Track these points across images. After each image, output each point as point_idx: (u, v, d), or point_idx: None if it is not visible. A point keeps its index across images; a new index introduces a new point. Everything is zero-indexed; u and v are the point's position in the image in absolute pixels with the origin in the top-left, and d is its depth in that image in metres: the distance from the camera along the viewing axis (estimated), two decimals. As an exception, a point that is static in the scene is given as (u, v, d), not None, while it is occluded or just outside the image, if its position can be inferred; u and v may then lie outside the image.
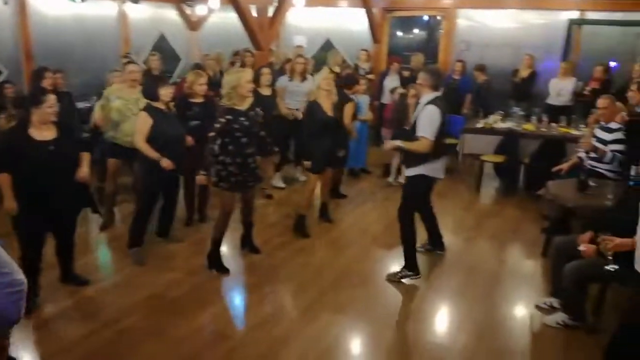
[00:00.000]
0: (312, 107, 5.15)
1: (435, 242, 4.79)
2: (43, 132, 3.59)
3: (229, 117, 4.03)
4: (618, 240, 2.64)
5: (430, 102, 3.98)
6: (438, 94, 4.07)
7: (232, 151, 4.11)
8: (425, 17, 11.44)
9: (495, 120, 6.88)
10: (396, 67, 8.34)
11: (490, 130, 6.69)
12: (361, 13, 9.20)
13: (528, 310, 3.90)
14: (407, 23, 11.38)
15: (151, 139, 4.24)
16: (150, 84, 4.51)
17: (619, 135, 4.71)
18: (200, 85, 4.82)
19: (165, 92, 4.32)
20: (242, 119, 4.09)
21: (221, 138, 4.08)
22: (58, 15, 8.26)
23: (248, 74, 4.19)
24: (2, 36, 7.51)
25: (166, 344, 3.42)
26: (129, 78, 5.01)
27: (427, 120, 3.94)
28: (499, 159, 6.55)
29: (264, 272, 4.48)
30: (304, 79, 6.41)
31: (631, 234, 2.83)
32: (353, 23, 9.93)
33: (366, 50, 8.98)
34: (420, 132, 3.97)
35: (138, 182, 4.70)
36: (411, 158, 4.15)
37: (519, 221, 5.68)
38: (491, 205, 6.38)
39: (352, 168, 7.14)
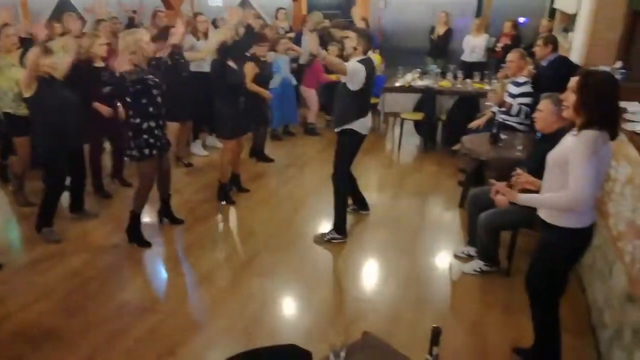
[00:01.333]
0: (219, 66, 4.80)
1: (360, 203, 4.87)
2: None
3: (137, 76, 3.81)
4: (529, 177, 2.81)
5: (359, 61, 4.00)
6: (367, 57, 4.08)
7: (153, 113, 3.94)
8: (344, -25, 11.27)
9: (413, 78, 7.00)
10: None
11: (408, 89, 6.80)
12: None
13: (448, 260, 4.10)
14: (325, -19, 11.17)
15: (33, 109, 3.99)
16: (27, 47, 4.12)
17: (526, 88, 4.93)
18: (100, 46, 4.55)
19: (44, 62, 3.93)
20: (151, 75, 3.91)
21: (139, 100, 3.87)
22: None
23: (144, 34, 3.97)
24: None
25: (88, 324, 3.28)
26: (8, 42, 4.51)
27: (352, 70, 3.95)
28: (418, 116, 6.70)
29: (187, 242, 4.38)
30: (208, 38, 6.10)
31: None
32: (270, -19, 9.63)
33: (284, 9, 8.75)
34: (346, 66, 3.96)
35: (40, 158, 4.38)
36: (342, 116, 4.16)
37: (438, 176, 5.89)
38: (412, 162, 6.56)
39: (286, 126, 7.13)
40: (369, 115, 4.28)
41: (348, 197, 4.39)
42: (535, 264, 2.71)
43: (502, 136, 4.60)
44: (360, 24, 4.40)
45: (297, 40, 7.44)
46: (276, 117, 6.84)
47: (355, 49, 4.04)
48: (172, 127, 5.86)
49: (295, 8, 9.56)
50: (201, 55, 5.61)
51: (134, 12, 7.62)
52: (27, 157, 4.76)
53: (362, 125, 4.18)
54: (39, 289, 3.63)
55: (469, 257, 4.02)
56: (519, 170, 2.93)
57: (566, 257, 2.60)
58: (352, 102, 4.09)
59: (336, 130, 4.24)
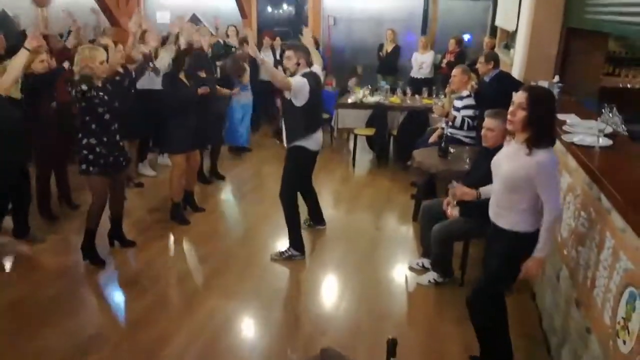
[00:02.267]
0: (170, 81, 4.76)
1: (316, 218, 4.89)
2: None
3: (83, 89, 3.72)
4: (464, 189, 2.92)
5: (302, 75, 4.01)
6: (311, 69, 4.11)
7: (96, 131, 3.86)
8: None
9: (364, 95, 7.14)
10: (269, 42, 8.26)
11: (360, 105, 6.94)
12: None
13: (403, 272, 4.16)
14: (275, -1, 11.29)
15: None
16: None
17: (468, 101, 5.17)
18: (40, 62, 4.36)
19: None
20: (101, 93, 3.82)
21: (83, 116, 3.80)
22: None
23: (101, 53, 3.88)
24: None
25: (31, 355, 3.11)
26: None
27: (298, 86, 3.93)
28: (370, 132, 6.83)
29: (140, 264, 4.26)
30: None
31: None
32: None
33: (234, 26, 8.77)
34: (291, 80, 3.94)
35: None
36: (291, 133, 4.15)
37: (391, 190, 6.00)
38: (365, 176, 6.66)
39: (236, 146, 7.12)
40: (320, 131, 4.29)
41: (299, 213, 4.38)
42: (497, 269, 2.75)
43: (451, 149, 4.75)
44: (309, 43, 4.43)
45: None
46: (229, 134, 6.86)
47: (298, 64, 4.04)
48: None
49: (245, 24, 9.58)
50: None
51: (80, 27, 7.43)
52: None
53: (312, 141, 4.18)
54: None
55: (424, 269, 4.11)
56: (454, 184, 3.04)
57: (522, 258, 2.66)
58: (299, 118, 4.07)
59: (286, 146, 4.23)
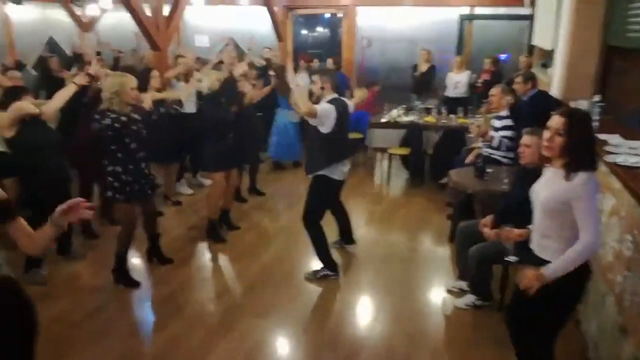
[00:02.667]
0: (211, 104, 4.89)
1: (346, 236, 4.86)
2: None
3: (112, 119, 3.81)
4: (516, 231, 2.83)
5: (329, 101, 4.03)
6: (337, 95, 4.11)
7: (121, 159, 3.94)
8: (327, 15, 11.61)
9: (398, 114, 7.13)
10: (304, 64, 8.39)
11: (394, 124, 6.92)
12: (263, 11, 9.15)
13: (440, 295, 4.08)
14: (310, 21, 11.49)
15: (15, 150, 4.03)
16: (11, 95, 4.10)
17: (507, 122, 5.06)
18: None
19: (28, 107, 3.95)
20: (129, 123, 3.90)
21: (109, 145, 3.89)
22: None
23: (132, 80, 3.97)
24: None
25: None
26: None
27: (322, 111, 3.95)
28: (405, 151, 6.80)
29: (177, 282, 4.31)
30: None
31: (525, 214, 3.06)
32: (256, 22, 9.85)
33: (269, 48, 8.94)
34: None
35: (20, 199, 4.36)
36: (314, 161, 4.14)
37: (426, 210, 5.93)
38: (400, 196, 6.61)
39: (283, 162, 7.54)
40: (346, 162, 4.22)
41: (324, 234, 4.31)
42: (543, 304, 2.54)
43: (488, 169, 4.67)
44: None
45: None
46: (274, 148, 7.27)
47: (322, 88, 4.06)
48: (156, 168, 5.87)
49: (281, 47, 9.76)
50: (176, 95, 5.64)
51: (120, 52, 7.75)
52: (15, 198, 4.71)
53: (336, 171, 4.13)
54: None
55: (462, 292, 4.02)
56: (507, 228, 2.96)
57: (578, 294, 2.53)
58: (324, 146, 4.04)
59: (308, 175, 4.21)
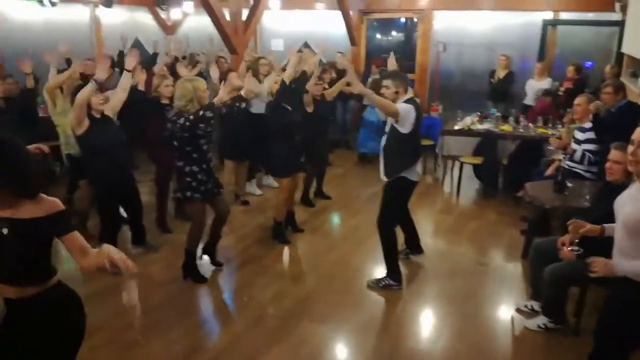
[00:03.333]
0: (274, 108, 4.99)
1: (413, 247, 4.74)
2: None
3: (188, 124, 3.89)
4: (591, 226, 2.67)
5: (405, 101, 3.95)
6: (411, 95, 4.04)
7: (197, 159, 4.05)
8: (402, 20, 11.45)
9: (472, 122, 6.89)
10: (376, 70, 8.32)
11: (468, 132, 6.69)
12: (338, 15, 9.17)
13: (509, 313, 3.88)
14: (385, 25, 11.37)
15: (87, 145, 4.22)
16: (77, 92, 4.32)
17: (591, 134, 4.72)
18: (166, 87, 4.86)
19: (96, 101, 4.16)
20: (202, 125, 3.98)
21: (184, 146, 4.00)
22: (28, 20, 8.04)
23: (202, 82, 4.08)
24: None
25: (138, 360, 3.30)
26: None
27: (403, 111, 3.87)
28: (478, 160, 6.55)
29: (241, 281, 4.39)
30: None
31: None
32: (331, 26, 9.88)
33: (342, 53, 8.94)
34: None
35: (89, 196, 4.69)
36: (396, 163, 4.06)
37: (498, 223, 5.67)
38: (471, 207, 6.37)
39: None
40: (420, 162, 4.20)
41: (397, 243, 4.25)
42: (619, 325, 2.47)
43: (569, 184, 4.39)
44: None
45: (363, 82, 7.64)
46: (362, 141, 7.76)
47: (396, 92, 3.97)
48: (228, 166, 6.02)
49: (355, 51, 9.73)
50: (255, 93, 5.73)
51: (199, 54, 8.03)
52: (88, 196, 4.98)
53: (414, 172, 4.09)
54: (91, 323, 3.67)
55: (533, 312, 3.79)
56: (575, 220, 2.78)
57: None
58: (404, 147, 3.98)
59: (387, 179, 4.12)
